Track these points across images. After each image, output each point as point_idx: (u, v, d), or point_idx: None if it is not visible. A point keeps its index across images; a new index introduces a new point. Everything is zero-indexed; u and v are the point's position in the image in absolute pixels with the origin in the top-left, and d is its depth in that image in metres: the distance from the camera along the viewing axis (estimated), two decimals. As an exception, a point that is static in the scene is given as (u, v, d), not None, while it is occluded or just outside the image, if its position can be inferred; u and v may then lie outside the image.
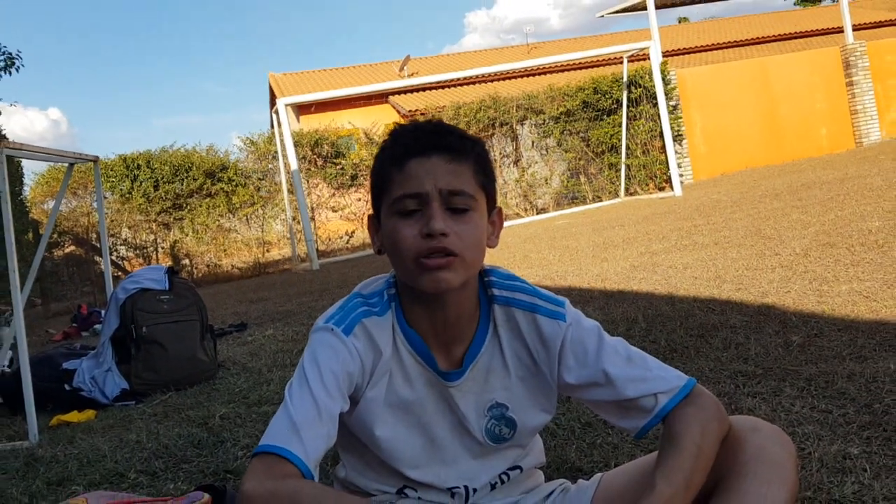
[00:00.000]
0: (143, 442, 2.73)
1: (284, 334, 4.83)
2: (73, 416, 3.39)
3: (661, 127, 12.13)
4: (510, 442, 1.28)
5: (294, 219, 11.79)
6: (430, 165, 1.14)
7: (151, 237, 12.66)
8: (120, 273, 11.73)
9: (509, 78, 18.46)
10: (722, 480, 1.10)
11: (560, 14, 77.00)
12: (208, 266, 12.58)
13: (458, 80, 16.48)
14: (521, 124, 13.49)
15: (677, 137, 13.23)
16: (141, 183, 12.46)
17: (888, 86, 14.32)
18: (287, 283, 8.86)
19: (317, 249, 11.09)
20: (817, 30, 21.46)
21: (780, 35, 21.35)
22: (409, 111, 16.01)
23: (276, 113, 11.17)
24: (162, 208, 12.53)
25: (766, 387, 2.25)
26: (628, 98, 12.89)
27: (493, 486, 1.29)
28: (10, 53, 7.11)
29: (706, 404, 1.17)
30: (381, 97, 17.53)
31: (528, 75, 18.53)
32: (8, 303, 7.02)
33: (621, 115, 12.85)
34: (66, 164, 4.45)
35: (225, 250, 12.83)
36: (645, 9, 14.43)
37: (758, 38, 21.33)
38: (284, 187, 11.99)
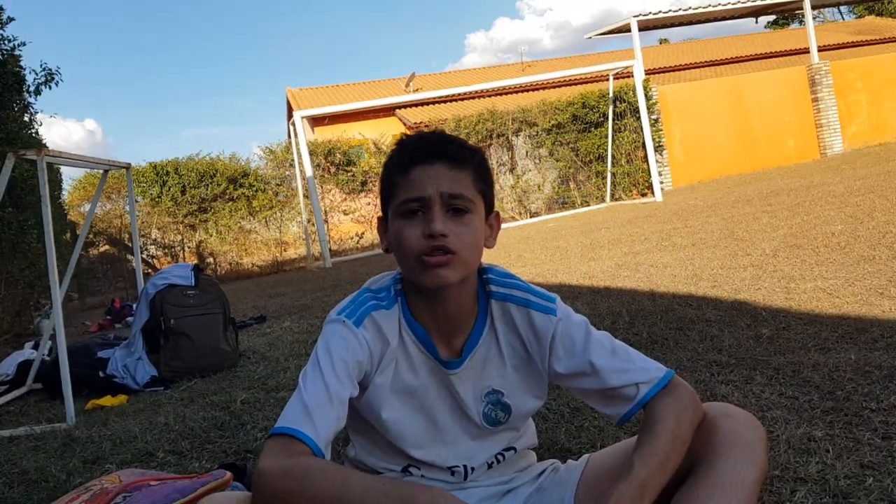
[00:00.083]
0: (170, 424, 2.73)
1: (300, 326, 4.83)
2: (107, 401, 3.39)
3: (643, 138, 12.11)
4: (505, 425, 1.28)
5: (309, 221, 11.78)
6: (432, 172, 1.14)
7: (179, 237, 12.66)
8: (150, 270, 11.74)
9: (505, 93, 18.44)
10: (698, 462, 1.10)
11: (552, 35, 76.92)
12: (230, 264, 12.58)
13: (459, 95, 16.48)
14: (516, 135, 13.48)
15: (658, 148, 13.22)
16: (169, 188, 12.46)
17: (850, 102, 14.30)
18: (302, 279, 8.85)
19: (329, 249, 11.09)
20: (786, 50, 21.42)
21: (752, 55, 21.31)
22: (415, 123, 15.99)
23: (293, 124, 11.16)
24: (188, 211, 12.52)
25: (739, 375, 2.25)
26: (614, 112, 12.87)
27: (489, 466, 1.29)
28: (50, 69, 7.07)
29: (682, 394, 1.17)
30: (388, 110, 17.51)
31: (522, 91, 18.51)
32: (48, 297, 7.03)
33: (607, 128, 12.83)
34: (101, 171, 4.45)
35: (246, 250, 12.82)
36: (629, 31, 14.43)
37: (732, 57, 21.29)
38: (300, 192, 11.98)
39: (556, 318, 1.23)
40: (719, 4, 14.82)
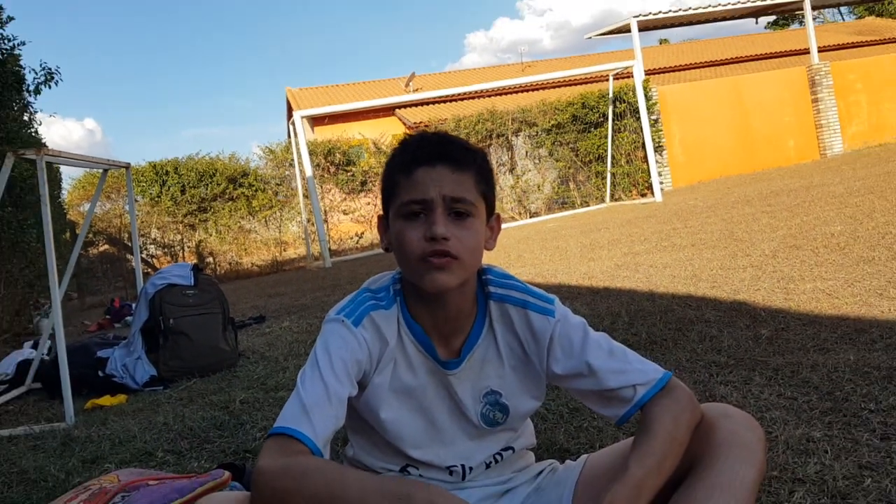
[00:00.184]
0: (169, 424, 2.73)
1: (299, 326, 4.83)
2: (106, 400, 3.39)
3: (643, 138, 12.11)
4: (503, 426, 1.28)
5: (308, 221, 11.78)
6: (435, 174, 1.14)
7: (178, 237, 12.66)
8: (149, 270, 11.73)
9: (505, 93, 18.44)
10: (696, 462, 1.10)
11: (552, 35, 76.93)
12: (230, 264, 12.58)
13: (459, 94, 16.48)
14: (516, 136, 13.48)
15: (658, 148, 13.22)
16: (169, 187, 12.46)
17: (850, 102, 14.31)
18: (302, 279, 8.85)
19: (329, 249, 11.09)
20: (786, 51, 21.42)
21: (752, 55, 21.31)
22: (414, 123, 15.99)
23: (293, 124, 11.16)
24: (188, 211, 12.52)
25: (738, 376, 2.25)
26: (614, 112, 12.88)
27: (487, 465, 1.29)
28: (50, 69, 7.06)
29: (680, 396, 1.17)
30: (388, 110, 17.51)
31: (522, 91, 18.50)
32: (47, 296, 7.03)
33: (607, 128, 12.84)
34: (101, 170, 4.45)
35: (245, 249, 12.83)
36: (629, 31, 14.43)
37: (732, 58, 21.29)
38: (300, 192, 11.98)
39: (555, 319, 1.23)
40: (719, 5, 14.82)
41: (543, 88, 18.07)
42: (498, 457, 1.30)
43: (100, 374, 3.72)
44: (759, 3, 15.08)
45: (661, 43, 30.62)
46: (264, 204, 12.97)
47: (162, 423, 2.76)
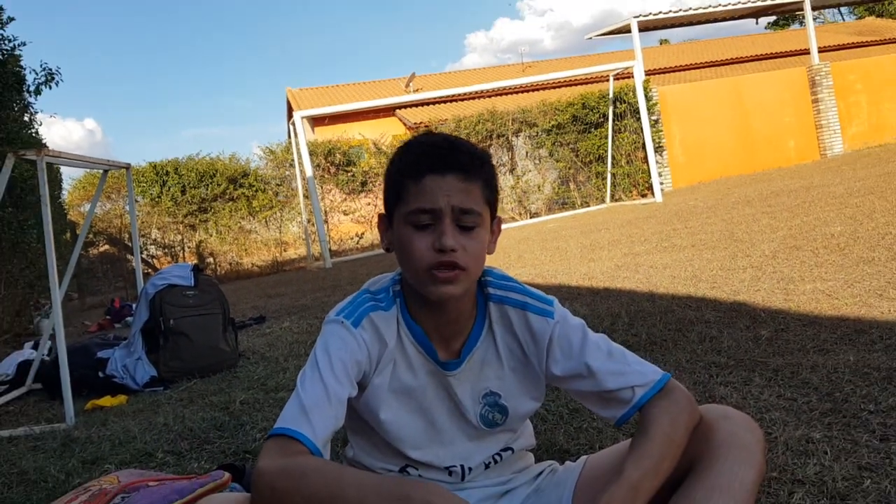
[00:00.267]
0: (170, 425, 2.73)
1: (300, 326, 4.83)
2: (106, 401, 3.40)
3: (643, 139, 12.11)
4: (502, 427, 1.28)
5: (309, 221, 11.79)
6: (444, 183, 1.13)
7: (179, 237, 12.66)
8: (150, 270, 11.74)
9: (505, 94, 18.45)
10: (696, 463, 1.11)
11: (552, 36, 76.95)
12: (230, 264, 12.59)
13: (459, 95, 16.50)
14: (517, 136, 13.48)
15: (658, 149, 13.22)
16: (169, 188, 12.47)
17: (850, 103, 14.30)
18: (302, 279, 8.86)
19: (329, 249, 11.09)
20: (786, 51, 21.42)
21: (752, 56, 21.32)
22: (415, 123, 16.00)
23: (293, 125, 11.17)
24: (188, 211, 12.53)
25: (738, 377, 2.25)
26: (614, 113, 12.88)
27: (486, 466, 1.29)
28: (50, 69, 7.06)
29: (678, 398, 1.17)
30: (388, 111, 17.52)
31: (522, 91, 18.51)
32: (47, 297, 7.04)
33: (607, 128, 12.84)
34: (101, 171, 4.45)
35: (246, 250, 12.83)
36: (629, 31, 14.43)
37: (732, 58, 21.30)
38: (300, 192, 11.99)
39: (554, 320, 1.23)
40: (720, 5, 14.82)
41: (544, 89, 18.08)
42: (497, 457, 1.30)
43: (100, 374, 3.72)
44: (759, 4, 15.08)
45: (661, 43, 30.63)
46: (264, 204, 12.97)
47: (162, 423, 2.76)
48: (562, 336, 1.23)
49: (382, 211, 1.24)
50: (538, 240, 8.29)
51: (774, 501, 1.44)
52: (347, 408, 1.16)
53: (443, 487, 0.97)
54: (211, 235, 12.67)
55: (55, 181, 9.37)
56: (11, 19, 6.69)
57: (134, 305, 5.44)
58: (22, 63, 6.90)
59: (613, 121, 12.85)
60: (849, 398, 1.92)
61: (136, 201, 12.11)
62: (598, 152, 13.16)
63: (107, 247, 12.30)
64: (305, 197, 11.65)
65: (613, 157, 12.90)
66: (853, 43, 21.47)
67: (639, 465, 1.07)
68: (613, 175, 12.94)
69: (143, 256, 12.23)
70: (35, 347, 4.70)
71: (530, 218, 12.74)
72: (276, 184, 13.16)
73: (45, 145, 7.72)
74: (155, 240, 12.61)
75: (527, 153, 13.53)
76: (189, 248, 12.69)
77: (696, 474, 1.09)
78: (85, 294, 11.16)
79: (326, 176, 13.04)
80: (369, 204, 13.17)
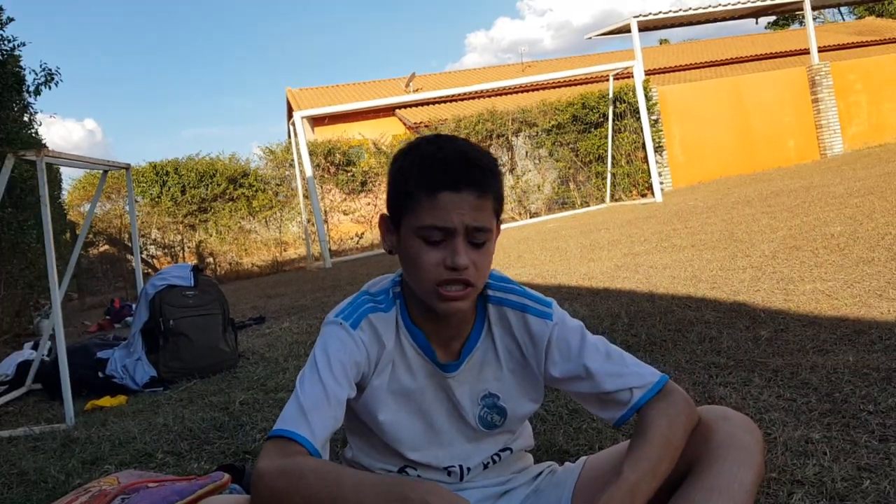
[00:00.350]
0: (169, 425, 2.73)
1: (299, 327, 4.83)
2: (106, 402, 3.40)
3: (643, 139, 12.11)
4: (501, 428, 1.29)
5: (309, 221, 11.79)
6: (459, 200, 1.11)
7: (178, 237, 12.66)
8: (149, 270, 11.75)
9: (505, 93, 18.44)
10: (695, 464, 1.11)
11: (552, 35, 76.94)
12: (230, 264, 12.59)
13: (459, 95, 16.49)
14: (516, 136, 13.49)
15: (658, 148, 13.22)
16: (169, 188, 12.47)
17: (850, 102, 14.30)
18: (302, 279, 8.86)
19: (329, 249, 11.09)
20: (786, 51, 21.42)
21: (752, 56, 21.32)
22: (415, 123, 16.00)
23: (293, 125, 11.17)
24: (188, 211, 12.53)
25: (737, 377, 2.25)
26: (614, 112, 12.88)
27: (485, 466, 1.30)
28: (50, 69, 7.06)
29: (676, 400, 1.17)
30: (388, 110, 17.51)
31: (522, 91, 18.51)
32: (47, 297, 7.04)
33: (607, 128, 12.84)
34: (101, 171, 4.45)
35: (245, 250, 12.83)
36: (629, 31, 14.43)
37: (732, 58, 21.29)
38: (300, 192, 11.99)
39: (552, 322, 1.24)
40: (720, 5, 14.82)
41: (544, 88, 18.07)
42: (496, 457, 1.30)
43: (100, 375, 3.73)
44: (759, 4, 15.08)
45: (661, 43, 30.63)
46: (264, 204, 12.97)
47: (162, 424, 2.76)
48: (560, 338, 1.23)
49: (384, 212, 1.23)
50: (538, 240, 8.29)
51: (774, 502, 1.44)
52: (346, 409, 1.16)
53: (441, 487, 0.97)
54: (211, 235, 12.67)
55: (55, 181, 9.37)
56: (11, 20, 6.69)
57: (134, 306, 5.44)
58: (21, 63, 6.90)
59: (613, 121, 12.85)
60: (848, 399, 1.92)
61: (136, 201, 12.12)
62: (598, 152, 13.16)
63: (106, 247, 12.30)
64: (305, 197, 11.66)
65: (613, 157, 12.90)
66: (853, 43, 21.47)
67: (636, 467, 1.07)
68: (613, 175, 12.94)
69: (143, 257, 12.23)
70: (35, 348, 4.70)
71: (530, 218, 12.74)
72: (275, 184, 13.16)
73: (44, 146, 7.72)
74: (155, 240, 12.61)
75: (526, 153, 13.53)
76: (189, 248, 12.69)
77: (695, 475, 1.10)
78: (85, 294, 11.17)
79: (326, 176, 13.04)
80: (369, 204, 13.17)
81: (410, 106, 17.83)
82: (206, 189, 12.61)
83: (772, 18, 30.48)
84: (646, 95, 12.34)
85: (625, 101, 12.99)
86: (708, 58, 21.69)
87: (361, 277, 7.23)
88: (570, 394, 1.28)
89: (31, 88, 7.02)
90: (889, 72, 14.62)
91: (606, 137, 12.87)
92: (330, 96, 20.08)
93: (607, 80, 13.12)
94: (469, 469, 1.28)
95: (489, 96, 17.71)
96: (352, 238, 13.08)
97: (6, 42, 6.60)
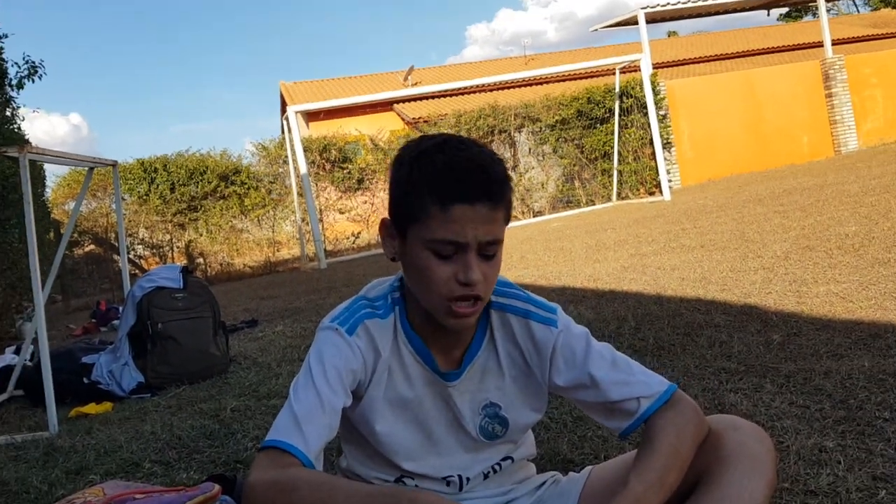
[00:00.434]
0: (157, 433, 2.73)
1: (293, 330, 4.82)
2: (91, 408, 3.39)
3: (651, 135, 12.12)
4: (502, 438, 1.28)
5: (303, 220, 11.79)
6: (472, 214, 1.10)
7: (167, 237, 12.66)
8: (137, 271, 11.74)
9: (508, 88, 18.44)
10: (704, 476, 1.11)
11: (556, 27, 77.10)
12: (221, 265, 12.59)
13: (460, 89, 16.49)
14: (519, 132, 13.49)
15: (666, 145, 13.22)
16: (158, 185, 12.47)
17: (865, 97, 14.31)
18: (296, 281, 8.85)
19: (324, 249, 11.08)
20: (799, 44, 21.43)
21: (764, 49, 21.34)
22: (413, 119, 16.00)
23: (287, 120, 11.17)
24: (177, 210, 12.53)
25: (748, 383, 2.25)
26: (620, 107, 12.89)
27: (485, 476, 1.29)
28: (34, 62, 7.07)
29: (684, 409, 1.17)
30: (386, 105, 17.52)
31: (525, 85, 18.51)
32: (30, 299, 7.03)
33: (613, 124, 12.85)
34: (87, 168, 4.45)
35: (237, 250, 12.83)
36: (636, 23, 14.42)
37: (743, 51, 21.31)
38: (294, 190, 11.99)
39: (557, 329, 1.24)
40: (730, -4, 14.82)
41: (547, 83, 18.10)
42: (497, 467, 1.30)
43: (85, 380, 3.72)
44: (771, -6, 15.09)
45: (669, 35, 30.66)
46: (257, 202, 12.97)
47: (149, 432, 2.76)
48: (565, 345, 1.23)
49: (385, 215, 1.22)
50: (541, 240, 8.29)
51: (786, 514, 1.44)
52: (342, 417, 1.16)
53: (438, 496, 0.97)
54: (201, 235, 12.67)
55: (38, 178, 9.36)
56: (-7, 12, 6.69)
57: (120, 308, 5.43)
58: (3, 56, 6.90)
59: (620, 116, 12.85)
60: (863, 405, 1.92)
61: (123, 199, 12.11)
62: (604, 149, 13.16)
63: (92, 247, 12.30)
64: (299, 195, 11.65)
65: (620, 154, 12.91)
66: (868, 35, 21.49)
67: (643, 478, 1.07)
68: (620, 172, 12.95)
69: (131, 257, 12.23)
70: (17, 352, 4.70)
71: (533, 217, 12.75)
72: (269, 181, 13.16)
73: (27, 142, 7.72)
74: (142, 239, 12.61)
75: (530, 149, 13.53)
76: (178, 248, 12.69)
77: (705, 487, 1.09)
78: (69, 296, 11.16)
79: (321, 173, 13.04)
80: (366, 202, 13.17)
81: (409, 100, 17.83)
82: (197, 187, 12.61)
83: (784, 10, 30.50)
84: (653, 90, 12.34)
85: (632, 96, 13.00)
86: (718, 51, 21.70)
87: (358, 279, 7.22)
88: (576, 403, 1.28)
89: (14, 82, 7.02)
90: (905, 65, 14.62)
91: (613, 133, 12.88)
92: (325, 90, 20.08)
93: (613, 73, 13.13)
94: (468, 479, 1.28)
95: (491, 90, 17.72)
96: (348, 238, 13.08)
97: (-12, 34, 6.60)
